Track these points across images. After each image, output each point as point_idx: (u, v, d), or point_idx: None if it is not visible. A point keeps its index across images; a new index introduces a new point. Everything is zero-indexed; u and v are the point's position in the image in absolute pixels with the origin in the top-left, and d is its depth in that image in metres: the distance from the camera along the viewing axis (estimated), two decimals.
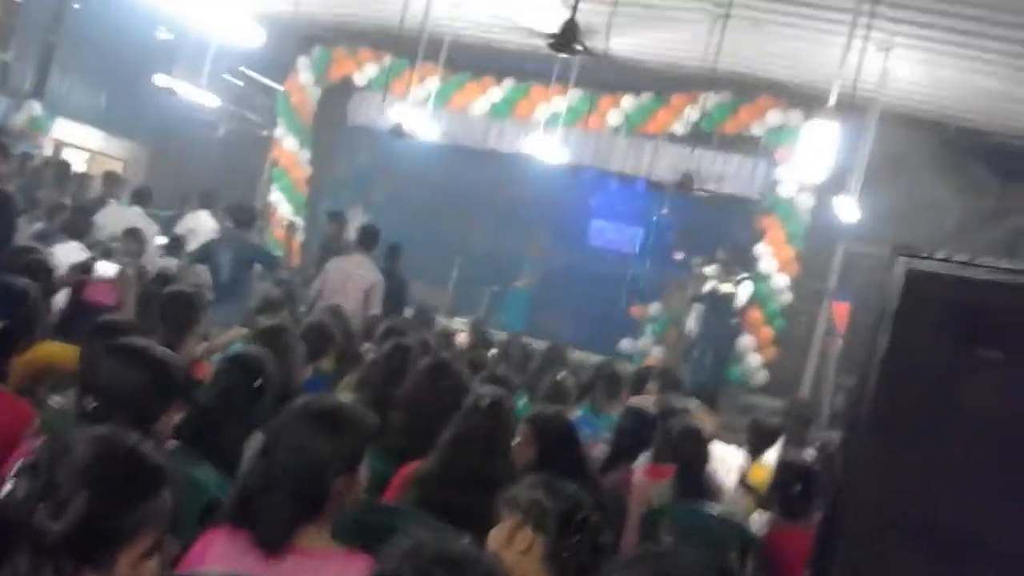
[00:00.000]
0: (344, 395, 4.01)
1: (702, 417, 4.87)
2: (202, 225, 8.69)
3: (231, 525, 2.08)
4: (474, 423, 2.87)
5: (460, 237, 13.31)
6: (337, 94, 12.74)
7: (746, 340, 10.13)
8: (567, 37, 5.46)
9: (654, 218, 12.28)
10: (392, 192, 13.82)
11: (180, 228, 8.58)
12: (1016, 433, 2.07)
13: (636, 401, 4.87)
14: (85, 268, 4.88)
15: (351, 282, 6.84)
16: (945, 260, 2.21)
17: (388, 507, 2.43)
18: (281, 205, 12.46)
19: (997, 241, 9.91)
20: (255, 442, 2.89)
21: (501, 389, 3.21)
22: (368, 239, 7.22)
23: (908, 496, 2.17)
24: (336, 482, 2.03)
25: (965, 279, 2.19)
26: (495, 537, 2.14)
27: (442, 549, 1.49)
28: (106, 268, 4.02)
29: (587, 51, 6.07)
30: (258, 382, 2.96)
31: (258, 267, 7.44)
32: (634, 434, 4.01)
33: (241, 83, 12.72)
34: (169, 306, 3.97)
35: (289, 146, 12.61)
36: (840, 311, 10.09)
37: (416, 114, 9.98)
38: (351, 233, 13.12)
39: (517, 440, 3.01)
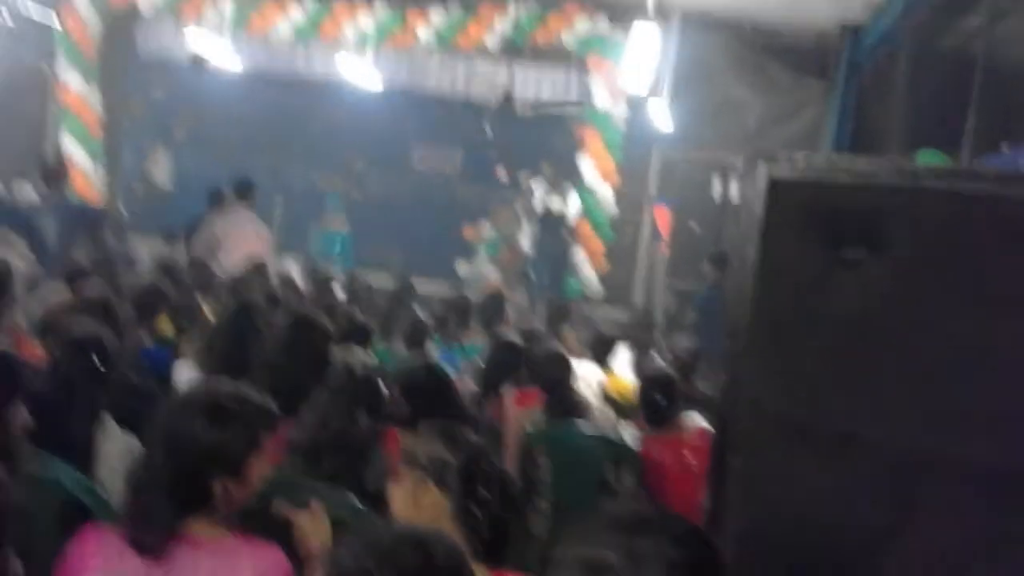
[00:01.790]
0: (188, 361, 3.77)
1: (568, 337, 4.95)
2: None
3: (107, 523, 1.94)
4: (346, 389, 2.77)
5: (277, 172, 12.72)
6: (122, 23, 11.64)
7: (579, 253, 10.34)
8: None
9: (475, 137, 12.15)
10: (196, 129, 12.95)
11: None
12: (883, 329, 2.18)
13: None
14: None
15: (253, 241, 6.77)
16: (805, 165, 2.26)
17: (277, 483, 2.29)
18: (75, 152, 11.40)
19: (794, 135, 10.50)
20: (109, 429, 2.67)
21: (368, 357, 3.13)
22: (248, 191, 7.07)
23: (792, 402, 2.25)
24: (222, 481, 1.90)
25: (825, 182, 2.25)
26: (399, 499, 2.06)
27: (399, 538, 1.41)
28: None
29: None
30: (97, 362, 2.70)
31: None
32: (504, 364, 3.98)
33: (8, 17, 11.37)
34: None
35: (75, 85, 11.46)
36: (662, 216, 10.45)
37: (213, 41, 9.32)
38: (157, 176, 12.42)
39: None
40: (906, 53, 7.79)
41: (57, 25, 11.38)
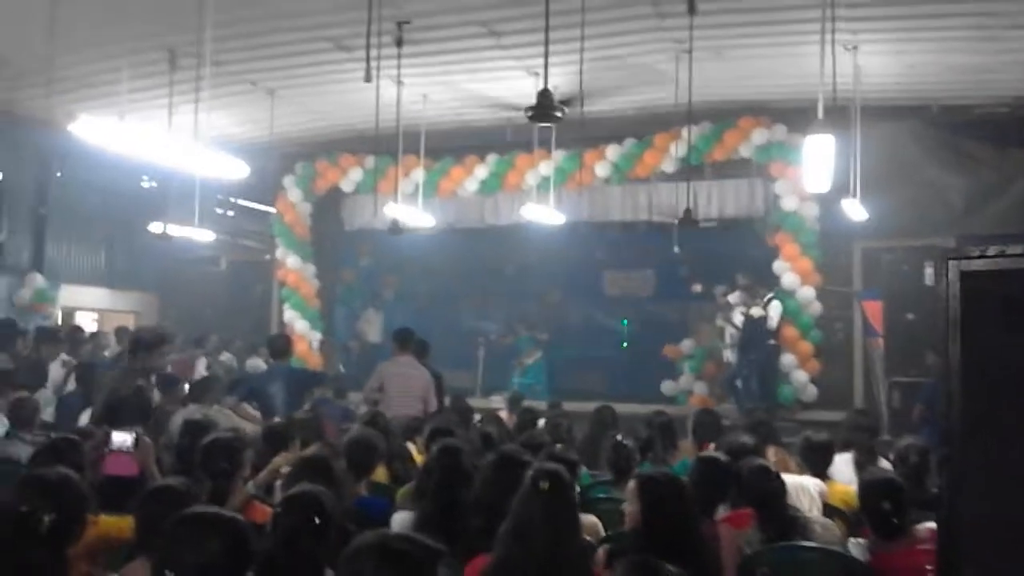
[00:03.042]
0: (404, 509, 3.90)
1: (770, 450, 4.73)
2: None
3: None
4: (535, 507, 2.79)
5: (477, 317, 13.32)
6: (328, 204, 12.85)
7: (788, 358, 9.97)
8: (544, 107, 5.43)
9: (665, 257, 12.20)
10: (402, 287, 13.88)
11: None
12: None
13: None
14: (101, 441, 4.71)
15: (410, 382, 7.22)
16: (999, 255, 2.13)
17: None
18: (296, 323, 12.45)
19: (1008, 209, 9.79)
20: None
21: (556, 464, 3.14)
22: (406, 339, 7.54)
23: (1020, 503, 2.05)
24: None
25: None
26: None
27: None
28: (122, 438, 3.90)
29: (565, 115, 6.04)
30: (318, 520, 2.86)
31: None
32: (711, 484, 3.83)
33: (233, 214, 12.83)
34: (210, 457, 3.90)
35: (292, 264, 12.66)
36: (873, 309, 9.94)
37: (409, 208, 10.05)
38: (370, 335, 13.27)
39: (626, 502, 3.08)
40: None
41: (274, 211, 12.70)
